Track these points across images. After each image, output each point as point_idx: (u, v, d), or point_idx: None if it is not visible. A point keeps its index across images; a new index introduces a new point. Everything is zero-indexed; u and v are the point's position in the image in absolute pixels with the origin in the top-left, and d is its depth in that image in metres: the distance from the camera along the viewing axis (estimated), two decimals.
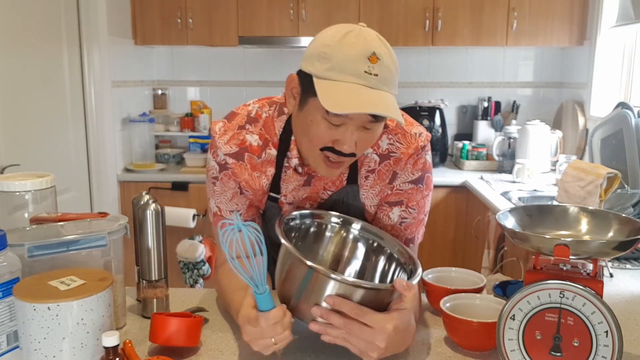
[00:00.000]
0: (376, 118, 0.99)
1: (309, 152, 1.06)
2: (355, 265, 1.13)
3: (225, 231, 0.89)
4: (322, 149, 1.02)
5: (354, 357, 0.91)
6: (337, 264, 1.13)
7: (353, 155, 1.03)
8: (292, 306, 0.94)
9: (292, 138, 1.12)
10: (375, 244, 1.13)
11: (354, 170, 1.14)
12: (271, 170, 1.15)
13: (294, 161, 1.13)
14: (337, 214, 1.14)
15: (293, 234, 1.09)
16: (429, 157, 1.16)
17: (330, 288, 0.90)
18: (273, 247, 1.15)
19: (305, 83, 1.00)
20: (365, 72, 0.95)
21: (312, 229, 1.13)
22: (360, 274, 1.12)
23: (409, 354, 1.01)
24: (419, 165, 1.14)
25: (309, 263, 0.89)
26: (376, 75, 0.96)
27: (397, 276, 1.07)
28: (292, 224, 1.08)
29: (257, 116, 1.16)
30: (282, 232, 0.97)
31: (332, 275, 0.89)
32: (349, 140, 1.00)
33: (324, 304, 0.90)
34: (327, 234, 1.14)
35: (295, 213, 1.09)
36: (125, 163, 3.33)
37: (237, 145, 1.15)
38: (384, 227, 1.17)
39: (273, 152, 1.14)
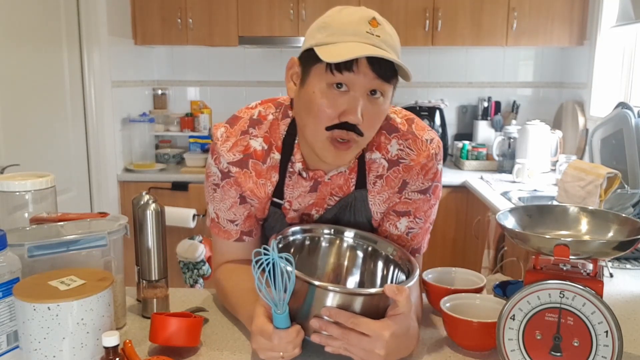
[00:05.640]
0: (382, 78, 0.96)
1: (315, 136, 1.01)
2: (356, 273, 1.12)
3: (259, 260, 0.89)
4: (328, 129, 0.99)
5: None
6: (338, 274, 1.13)
7: (361, 134, 0.99)
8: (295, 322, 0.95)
9: (296, 141, 1.09)
10: (370, 249, 1.12)
11: (362, 174, 1.11)
12: (275, 176, 1.12)
13: (298, 165, 1.10)
14: (328, 225, 1.13)
15: (290, 250, 1.08)
16: (440, 166, 1.13)
17: (326, 298, 0.90)
18: None
19: (306, 58, 1.00)
20: (367, 32, 0.94)
21: (306, 243, 1.12)
22: (361, 282, 1.12)
23: (411, 353, 1.01)
24: (430, 175, 1.11)
25: (301, 277, 0.90)
26: (378, 36, 0.95)
27: (396, 278, 1.07)
28: (285, 241, 1.07)
29: (262, 117, 1.12)
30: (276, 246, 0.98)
31: (330, 287, 0.89)
32: (355, 108, 0.96)
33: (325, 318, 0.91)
34: (323, 245, 1.13)
35: (288, 230, 1.08)
36: (125, 163, 3.33)
37: (241, 152, 1.11)
38: (390, 237, 1.15)
39: (277, 156, 1.11)
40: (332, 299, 0.90)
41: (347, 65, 0.95)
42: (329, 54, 0.94)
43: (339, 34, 0.95)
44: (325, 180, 1.12)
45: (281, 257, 0.89)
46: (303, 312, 0.92)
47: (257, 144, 1.11)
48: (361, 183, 1.12)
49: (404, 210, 1.14)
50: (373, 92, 0.98)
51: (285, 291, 0.89)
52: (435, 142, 1.11)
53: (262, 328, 0.91)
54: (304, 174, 1.11)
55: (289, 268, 0.89)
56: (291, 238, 1.09)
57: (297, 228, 1.10)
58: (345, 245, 1.13)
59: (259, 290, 0.90)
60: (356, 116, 0.96)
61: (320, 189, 1.13)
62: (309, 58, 0.99)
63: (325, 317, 0.90)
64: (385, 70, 0.96)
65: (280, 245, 1.03)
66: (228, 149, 1.11)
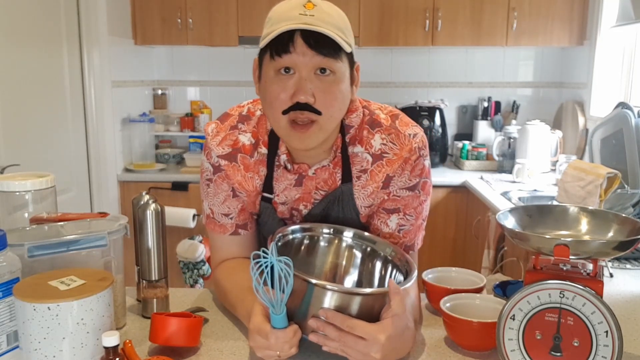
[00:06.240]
0: (323, 54, 0.97)
1: (277, 123, 1.03)
2: (354, 273, 1.13)
3: (258, 263, 0.90)
4: (284, 112, 1.00)
5: None
6: (335, 274, 1.13)
7: (318, 112, 1.00)
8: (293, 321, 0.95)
9: None
10: (369, 249, 1.12)
11: (346, 169, 1.12)
12: (263, 170, 1.15)
13: (283, 157, 1.12)
14: (327, 224, 1.14)
15: (289, 249, 1.09)
16: (427, 162, 1.14)
17: (324, 297, 0.90)
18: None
19: (259, 54, 1.04)
20: (300, 14, 0.97)
21: (305, 242, 1.12)
22: (359, 282, 1.12)
23: (408, 354, 1.01)
24: (417, 171, 1.12)
25: (300, 275, 0.90)
26: (312, 15, 0.97)
27: (394, 279, 1.06)
28: (285, 239, 1.08)
29: (250, 113, 1.16)
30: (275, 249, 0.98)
31: (328, 286, 0.90)
32: (303, 87, 0.98)
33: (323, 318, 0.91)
34: (322, 244, 1.13)
35: (287, 229, 1.09)
36: (125, 163, 3.33)
37: (230, 146, 1.14)
38: (382, 235, 1.15)
39: (264, 150, 1.14)
40: (330, 298, 0.90)
41: (284, 48, 0.98)
42: (264, 42, 0.99)
43: (277, 22, 0.98)
44: (310, 175, 1.13)
45: (280, 260, 0.89)
46: (301, 311, 0.92)
47: (245, 139, 1.14)
48: (347, 177, 1.13)
49: (393, 207, 1.14)
50: (322, 70, 1.00)
51: (283, 292, 0.90)
52: (418, 137, 1.11)
53: (260, 327, 0.91)
54: (289, 166, 1.13)
55: (288, 271, 0.89)
56: (290, 237, 1.10)
57: (296, 227, 1.11)
58: (344, 245, 1.13)
59: (256, 292, 0.90)
60: (305, 95, 0.98)
61: (305, 183, 1.14)
62: (259, 54, 1.04)
63: (323, 318, 0.90)
64: (324, 46, 0.98)
65: (279, 244, 1.03)
66: (217, 143, 1.15)
